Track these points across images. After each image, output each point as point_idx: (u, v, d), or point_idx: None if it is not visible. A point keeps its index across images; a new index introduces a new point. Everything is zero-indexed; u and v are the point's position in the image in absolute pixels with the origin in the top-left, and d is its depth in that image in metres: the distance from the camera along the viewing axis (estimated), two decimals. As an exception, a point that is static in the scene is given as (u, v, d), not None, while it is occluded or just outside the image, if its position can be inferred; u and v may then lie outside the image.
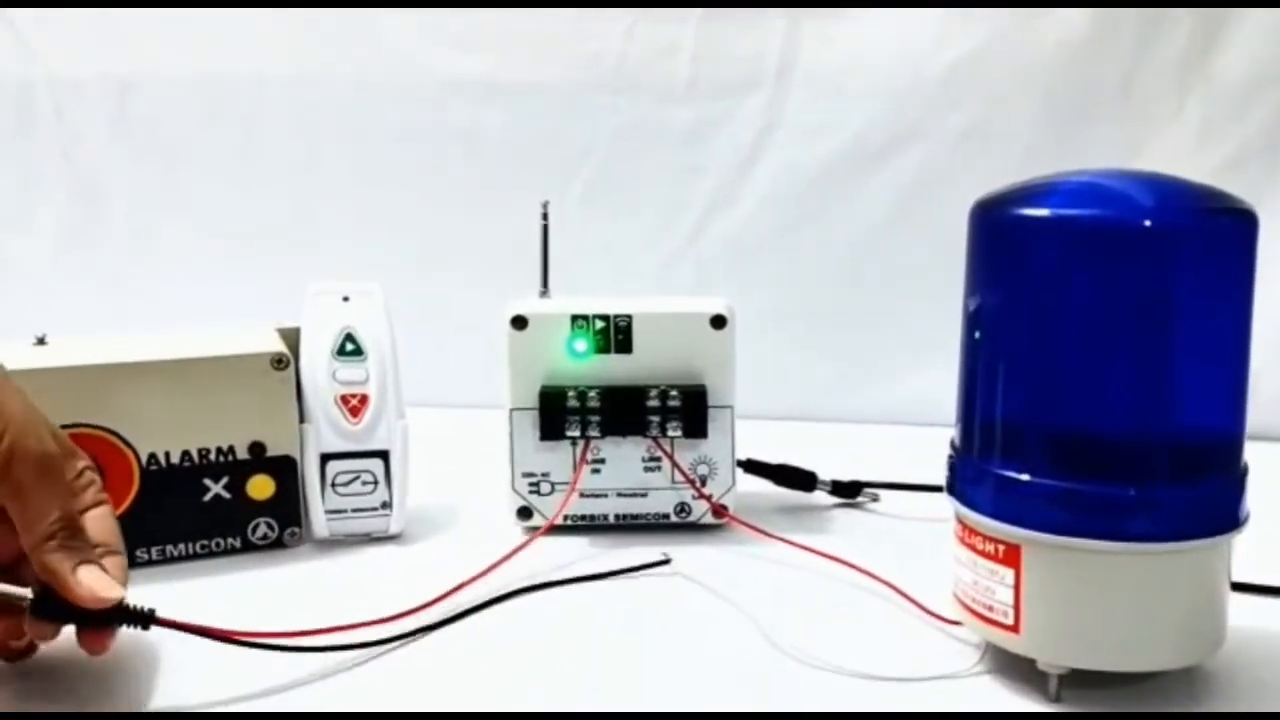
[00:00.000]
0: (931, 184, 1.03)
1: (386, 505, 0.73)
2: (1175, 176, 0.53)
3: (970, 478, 0.55)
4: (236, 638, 0.55)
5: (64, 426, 0.63)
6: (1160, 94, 0.99)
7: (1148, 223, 0.50)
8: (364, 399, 0.72)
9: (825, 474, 0.82)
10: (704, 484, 0.75)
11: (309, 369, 0.72)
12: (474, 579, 0.65)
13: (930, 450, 0.74)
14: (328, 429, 0.72)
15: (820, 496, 0.82)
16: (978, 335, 0.55)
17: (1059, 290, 0.51)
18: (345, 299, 0.74)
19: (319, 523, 0.72)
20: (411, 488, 0.74)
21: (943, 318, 1.01)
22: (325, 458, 0.71)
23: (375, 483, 0.73)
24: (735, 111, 1.05)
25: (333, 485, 0.72)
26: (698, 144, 1.06)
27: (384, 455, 0.72)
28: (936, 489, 0.78)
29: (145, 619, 0.53)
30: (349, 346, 0.73)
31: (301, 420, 0.71)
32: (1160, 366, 0.51)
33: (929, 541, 0.72)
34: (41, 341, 0.69)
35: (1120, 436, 0.51)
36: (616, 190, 1.07)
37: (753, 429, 0.76)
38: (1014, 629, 0.53)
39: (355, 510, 0.73)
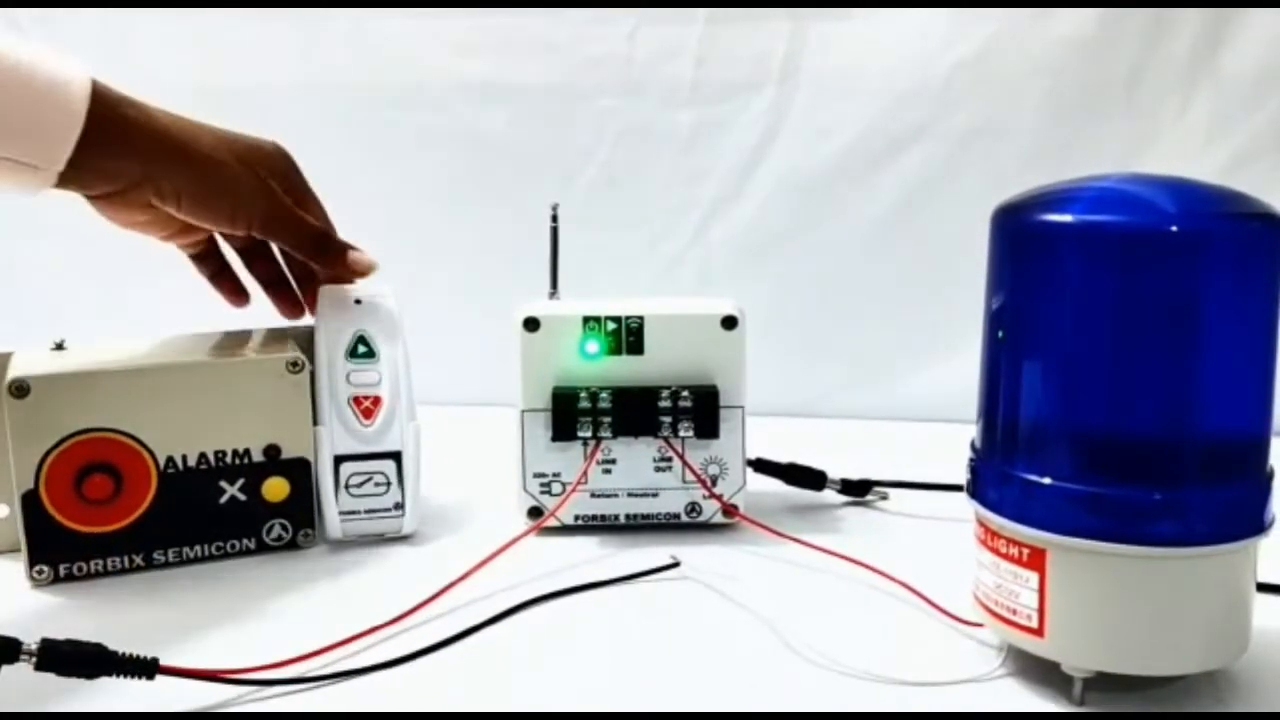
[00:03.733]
0: (937, 183, 1.03)
1: (399, 506, 0.73)
2: (1194, 180, 0.53)
3: (993, 480, 0.55)
4: (239, 677, 0.55)
5: (83, 431, 0.65)
6: (1166, 92, 0.98)
7: (1174, 228, 0.50)
8: (377, 401, 0.73)
9: (829, 472, 0.82)
10: (715, 484, 0.75)
11: (323, 372, 0.72)
12: (472, 571, 0.65)
13: (934, 447, 0.74)
14: (341, 431, 0.72)
15: (829, 495, 0.82)
16: (1000, 335, 0.54)
17: (1083, 296, 0.51)
18: (357, 301, 0.75)
19: (333, 524, 0.72)
20: (423, 488, 0.74)
21: (947, 316, 1.03)
22: (339, 459, 0.72)
23: (388, 484, 0.73)
24: (740, 113, 1.05)
25: (346, 487, 0.72)
26: (702, 146, 1.06)
27: (397, 456, 0.73)
28: (945, 487, 0.79)
29: (149, 669, 0.53)
30: (361, 349, 0.73)
31: (315, 422, 0.71)
32: (1186, 370, 0.50)
33: (941, 541, 0.72)
34: (60, 347, 0.69)
35: (1146, 440, 0.51)
36: (621, 192, 1.07)
37: (756, 426, 0.76)
38: (1038, 632, 0.53)
39: (368, 511, 0.73)
